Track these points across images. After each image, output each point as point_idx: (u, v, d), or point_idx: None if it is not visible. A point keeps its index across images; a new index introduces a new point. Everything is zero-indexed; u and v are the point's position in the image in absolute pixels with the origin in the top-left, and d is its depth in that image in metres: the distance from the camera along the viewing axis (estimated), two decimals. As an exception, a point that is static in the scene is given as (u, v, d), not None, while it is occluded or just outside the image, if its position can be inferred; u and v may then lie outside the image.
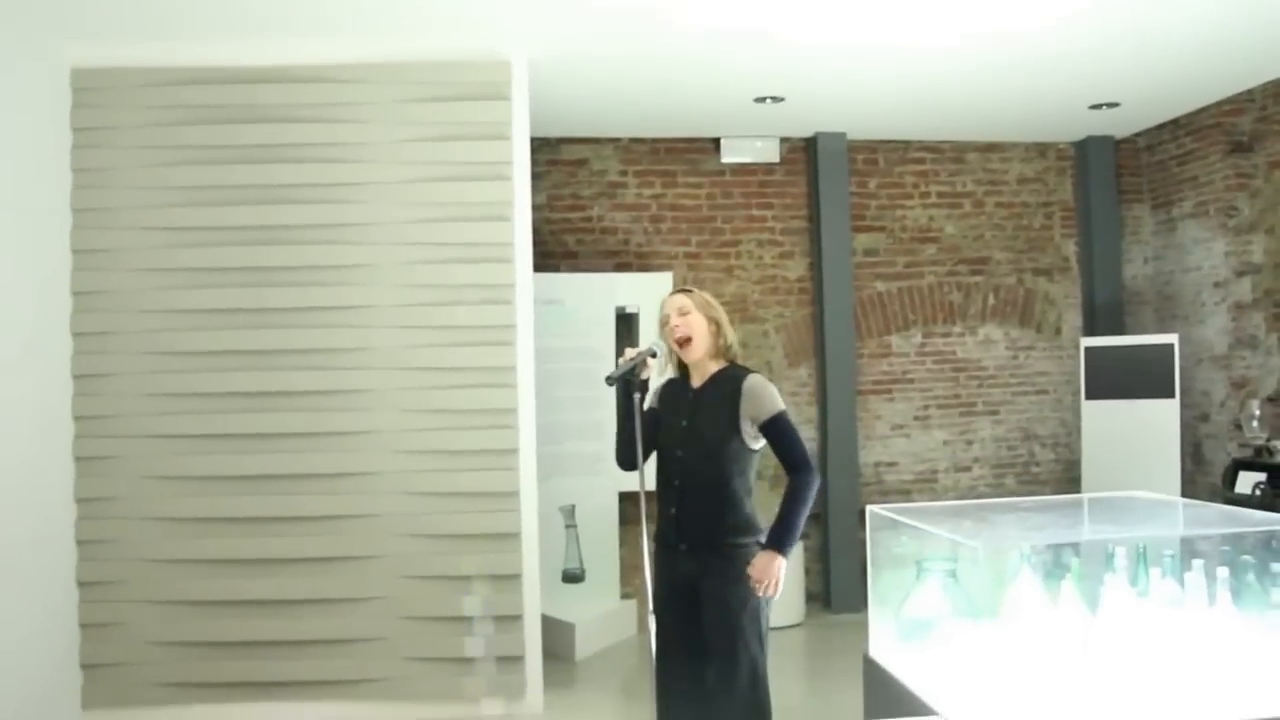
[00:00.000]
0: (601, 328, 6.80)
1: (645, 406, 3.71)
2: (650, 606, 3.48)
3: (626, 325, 6.87)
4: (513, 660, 5.21)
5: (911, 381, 7.66)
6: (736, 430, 3.60)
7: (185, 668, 5.09)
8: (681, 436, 3.68)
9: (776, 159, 7.43)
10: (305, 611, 5.14)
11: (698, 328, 3.72)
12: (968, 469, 7.70)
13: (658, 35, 5.33)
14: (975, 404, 7.72)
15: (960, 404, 7.71)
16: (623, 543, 6.92)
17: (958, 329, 7.71)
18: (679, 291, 3.82)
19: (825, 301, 7.33)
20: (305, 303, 5.19)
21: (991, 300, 7.73)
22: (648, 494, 3.48)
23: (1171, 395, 6.80)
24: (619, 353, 6.65)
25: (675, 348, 3.74)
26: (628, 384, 3.58)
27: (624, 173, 7.34)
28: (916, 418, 7.66)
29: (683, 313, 3.73)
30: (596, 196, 7.31)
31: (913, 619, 3.03)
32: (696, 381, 3.76)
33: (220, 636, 5.11)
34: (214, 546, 5.13)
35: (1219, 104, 6.82)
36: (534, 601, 5.27)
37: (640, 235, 7.34)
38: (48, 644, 4.86)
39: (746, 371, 3.70)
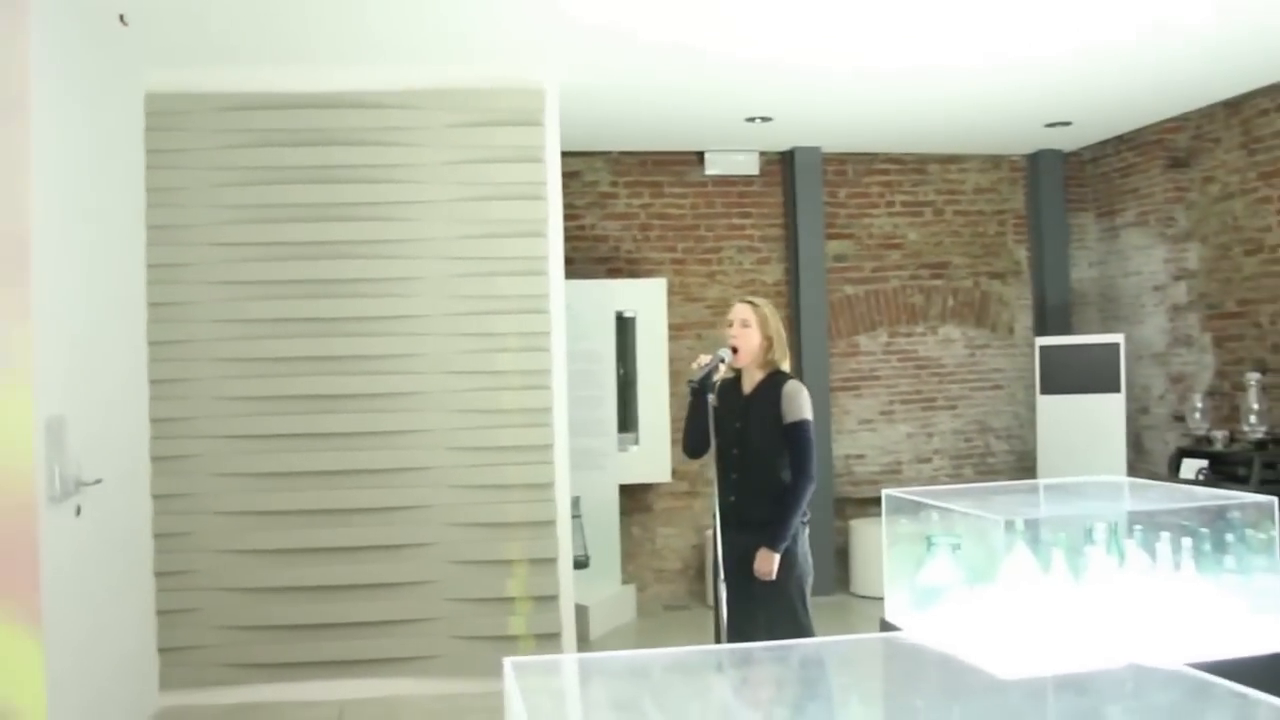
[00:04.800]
0: (601, 331, 7.68)
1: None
2: (720, 575, 4.35)
3: (624, 329, 7.75)
4: (550, 637, 6.06)
5: (878, 378, 8.68)
6: (780, 432, 4.52)
7: (254, 650, 5.85)
8: (735, 437, 4.59)
9: (756, 171, 8.38)
10: (363, 595, 5.93)
11: (750, 343, 4.60)
12: (929, 460, 8.75)
13: (673, 64, 6.19)
14: (935, 399, 8.77)
15: (922, 399, 8.76)
16: (622, 532, 7.80)
17: (920, 329, 8.75)
18: (745, 302, 4.66)
19: (801, 304, 8.31)
20: (360, 313, 5.98)
21: (950, 302, 8.78)
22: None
23: (1118, 390, 7.93)
24: (620, 354, 7.57)
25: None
26: (703, 385, 4.46)
27: (614, 184, 8.23)
28: (882, 413, 8.69)
29: (744, 324, 4.61)
30: (589, 206, 8.17)
31: (924, 587, 3.57)
32: (747, 387, 4.66)
33: (286, 620, 5.88)
34: (279, 537, 5.89)
35: (1159, 123, 7.92)
36: (568, 583, 6.14)
37: (630, 243, 8.22)
38: (128, 630, 5.54)
39: (787, 378, 4.61)
